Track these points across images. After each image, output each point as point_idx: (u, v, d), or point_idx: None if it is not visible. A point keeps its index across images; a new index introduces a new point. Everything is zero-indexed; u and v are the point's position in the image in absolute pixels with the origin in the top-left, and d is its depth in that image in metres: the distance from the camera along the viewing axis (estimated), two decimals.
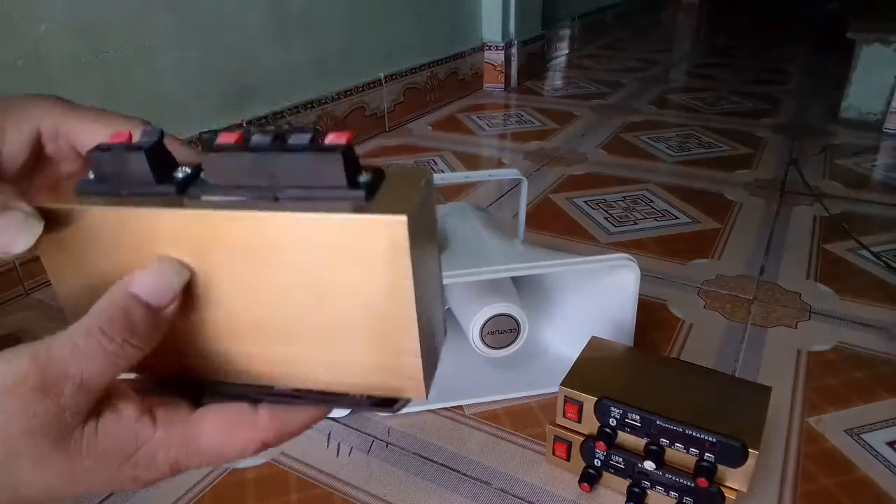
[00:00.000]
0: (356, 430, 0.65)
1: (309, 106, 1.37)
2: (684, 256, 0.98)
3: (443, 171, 1.33)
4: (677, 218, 1.11)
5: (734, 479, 0.51)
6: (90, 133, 0.26)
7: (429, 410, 0.67)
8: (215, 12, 1.13)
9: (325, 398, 0.24)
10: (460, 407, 0.68)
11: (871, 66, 1.58)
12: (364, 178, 0.21)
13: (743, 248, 1.00)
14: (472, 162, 1.41)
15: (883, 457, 0.61)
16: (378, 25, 1.55)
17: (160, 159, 0.22)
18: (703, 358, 0.74)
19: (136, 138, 0.23)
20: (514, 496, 0.57)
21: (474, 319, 0.65)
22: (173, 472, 0.24)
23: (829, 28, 3.13)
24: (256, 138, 0.21)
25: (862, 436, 0.63)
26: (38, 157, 0.27)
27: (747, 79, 2.16)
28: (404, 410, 0.29)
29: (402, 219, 0.19)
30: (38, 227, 0.22)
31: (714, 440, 0.50)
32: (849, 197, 1.20)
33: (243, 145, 0.21)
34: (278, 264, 0.21)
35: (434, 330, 0.24)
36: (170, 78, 1.07)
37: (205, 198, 0.22)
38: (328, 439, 0.64)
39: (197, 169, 0.22)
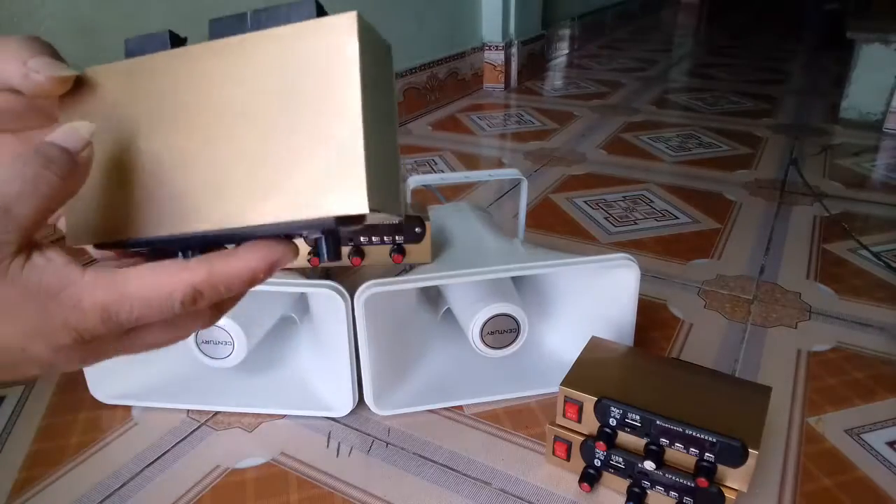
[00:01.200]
0: (356, 430, 0.65)
1: None
2: (684, 256, 0.98)
3: (443, 171, 1.33)
4: (677, 218, 1.11)
5: (734, 479, 0.51)
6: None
7: (429, 410, 0.67)
8: (215, 12, 1.13)
9: (275, 230, 0.24)
10: (460, 407, 0.68)
11: (871, 66, 1.58)
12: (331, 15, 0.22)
13: (743, 248, 1.00)
14: (472, 162, 1.41)
15: (883, 457, 0.61)
16: (378, 25, 1.54)
17: (177, 41, 0.26)
18: (703, 358, 0.74)
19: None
20: (514, 496, 0.57)
21: (474, 319, 0.65)
22: (105, 322, 0.23)
23: (829, 28, 3.13)
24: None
25: (862, 436, 0.63)
26: None
27: (747, 79, 2.16)
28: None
29: (352, 14, 0.21)
30: (67, 69, 0.26)
31: (714, 440, 0.50)
32: (849, 197, 1.20)
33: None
34: (238, 90, 0.23)
35: (392, 163, 0.24)
36: None
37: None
38: (328, 439, 0.64)
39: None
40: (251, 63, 0.23)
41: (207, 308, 0.27)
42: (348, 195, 0.22)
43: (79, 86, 0.27)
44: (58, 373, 0.23)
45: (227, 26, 0.24)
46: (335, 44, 0.22)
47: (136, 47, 0.26)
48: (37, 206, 0.23)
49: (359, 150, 0.21)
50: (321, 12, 0.22)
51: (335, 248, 0.25)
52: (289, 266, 0.64)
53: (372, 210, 0.21)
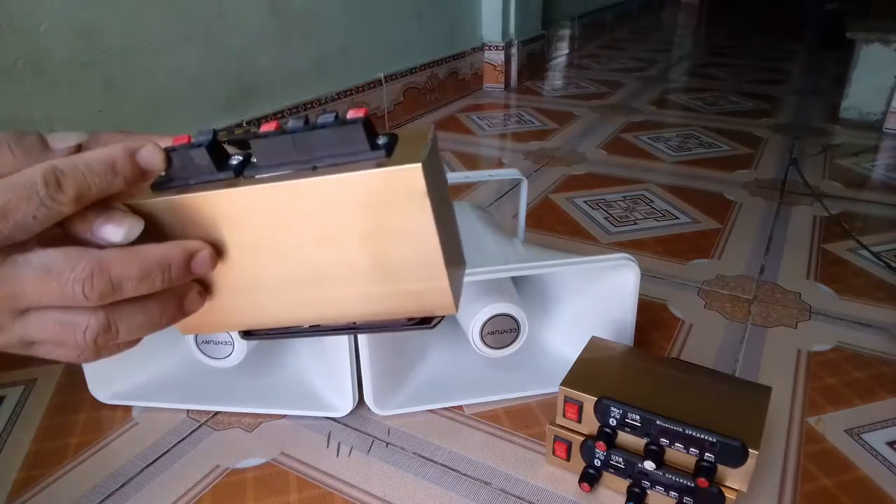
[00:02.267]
0: (356, 430, 0.65)
1: (309, 106, 1.37)
2: (684, 256, 0.98)
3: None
4: (677, 218, 1.11)
5: (734, 479, 0.51)
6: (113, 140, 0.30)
7: (429, 410, 0.67)
8: (215, 12, 1.13)
9: (370, 327, 0.29)
10: (460, 407, 0.68)
11: (871, 66, 1.58)
12: (382, 140, 0.25)
13: (743, 248, 1.00)
14: (472, 162, 1.41)
15: (883, 457, 0.61)
16: (378, 25, 1.55)
17: (217, 151, 0.27)
18: (703, 358, 0.74)
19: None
20: (514, 496, 0.57)
21: (474, 319, 0.65)
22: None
23: (829, 28, 3.13)
24: (292, 123, 0.25)
25: (862, 436, 0.63)
26: None
27: (747, 79, 2.16)
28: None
29: (417, 166, 0.24)
30: (139, 222, 0.27)
31: (714, 440, 0.50)
32: (849, 197, 1.20)
33: (282, 130, 0.25)
34: (321, 222, 0.26)
35: (456, 257, 0.28)
36: (170, 78, 1.07)
37: (258, 176, 0.26)
38: (328, 439, 0.64)
39: (247, 156, 0.27)
40: (326, 206, 0.26)
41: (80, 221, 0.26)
42: (443, 307, 0.28)
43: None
44: None
45: (274, 151, 0.26)
46: (407, 197, 0.25)
47: (179, 164, 0.27)
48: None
49: (444, 280, 0.27)
50: (368, 130, 0.25)
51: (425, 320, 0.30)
52: None
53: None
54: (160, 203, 0.27)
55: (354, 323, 0.29)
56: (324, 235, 0.26)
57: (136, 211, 0.27)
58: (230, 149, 0.28)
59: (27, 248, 0.25)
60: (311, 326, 0.30)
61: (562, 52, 2.61)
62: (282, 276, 0.28)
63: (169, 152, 0.27)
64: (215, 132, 0.27)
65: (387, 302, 0.28)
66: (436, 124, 1.67)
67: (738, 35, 3.12)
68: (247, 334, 0.31)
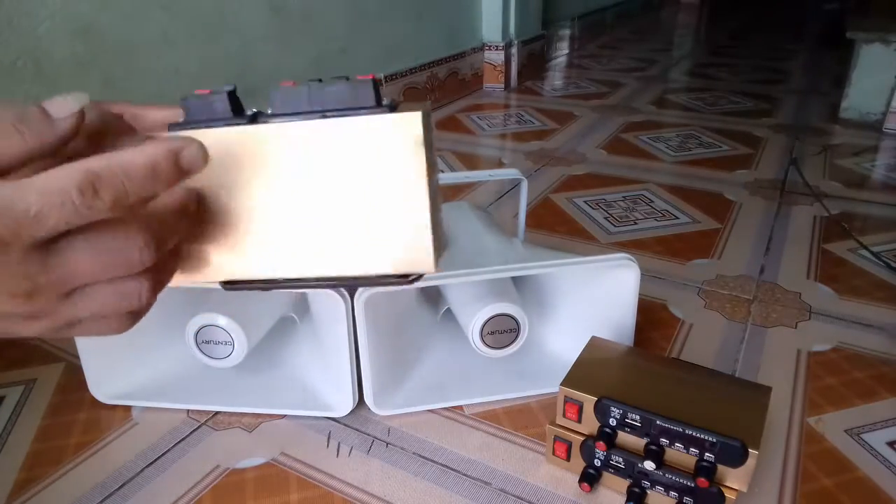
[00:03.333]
0: (356, 430, 0.65)
1: None
2: (684, 256, 0.98)
3: (443, 171, 1.33)
4: (677, 218, 1.11)
5: (734, 479, 0.51)
6: (151, 113, 0.32)
7: (429, 410, 0.67)
8: (215, 12, 1.13)
9: (349, 281, 0.30)
10: (460, 407, 0.68)
11: (871, 66, 1.58)
12: (386, 101, 0.27)
13: (743, 248, 1.00)
14: (472, 162, 1.41)
15: (883, 457, 0.61)
16: (378, 25, 1.55)
17: (235, 101, 0.28)
18: (703, 358, 0.74)
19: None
20: (514, 496, 0.57)
21: (474, 319, 0.65)
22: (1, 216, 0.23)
23: (829, 28, 3.13)
24: (307, 82, 0.27)
25: (862, 436, 0.63)
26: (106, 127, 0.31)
27: (747, 79, 2.16)
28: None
29: (418, 113, 0.26)
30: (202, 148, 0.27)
31: (714, 440, 0.50)
32: (849, 197, 1.20)
33: (297, 86, 0.27)
34: (321, 165, 0.28)
35: (440, 218, 0.29)
36: (170, 78, 1.07)
37: (271, 121, 0.28)
38: (328, 439, 0.64)
39: (263, 112, 0.28)
40: (328, 151, 0.27)
41: (138, 248, 0.26)
42: (422, 263, 0.28)
43: None
44: None
45: (289, 100, 0.28)
46: (404, 144, 0.27)
47: (197, 111, 0.28)
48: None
49: (428, 234, 0.28)
50: (377, 90, 0.27)
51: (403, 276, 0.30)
52: None
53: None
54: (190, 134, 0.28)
55: (324, 278, 0.30)
56: (322, 180, 0.28)
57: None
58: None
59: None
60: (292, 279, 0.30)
61: (562, 52, 2.61)
62: (275, 221, 0.29)
63: (188, 100, 0.28)
64: (235, 87, 0.28)
65: (370, 256, 0.29)
66: (436, 124, 1.67)
67: (738, 35, 3.12)
68: (228, 285, 0.31)
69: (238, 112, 0.28)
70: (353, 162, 0.27)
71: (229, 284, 0.31)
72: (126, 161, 0.24)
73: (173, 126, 0.29)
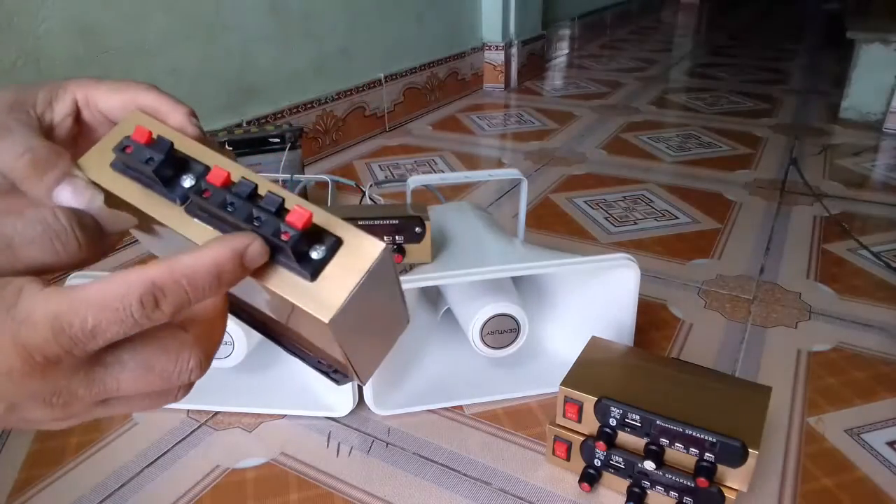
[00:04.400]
0: (356, 430, 0.65)
1: (309, 106, 1.37)
2: (684, 256, 0.98)
3: (443, 171, 1.33)
4: (677, 218, 1.11)
5: (734, 479, 0.51)
6: (112, 102, 0.30)
7: (429, 410, 0.67)
8: (215, 12, 1.13)
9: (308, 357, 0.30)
10: (460, 407, 0.68)
11: (871, 66, 1.58)
12: (317, 253, 0.24)
13: (743, 248, 1.00)
14: (472, 162, 1.41)
15: (883, 457, 0.61)
16: (378, 25, 1.55)
17: (169, 168, 0.26)
18: (703, 358, 0.74)
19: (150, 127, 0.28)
20: (514, 496, 0.57)
21: (474, 319, 0.65)
22: (56, 335, 0.22)
23: (829, 28, 3.13)
24: (242, 186, 0.25)
25: (862, 436, 0.63)
26: (79, 124, 0.31)
27: (747, 79, 2.16)
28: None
29: (325, 318, 0.24)
30: (99, 196, 0.27)
31: (714, 440, 0.50)
32: (849, 197, 1.20)
33: (231, 189, 0.25)
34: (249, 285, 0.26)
35: (370, 351, 0.28)
36: (170, 78, 1.07)
37: (194, 220, 0.26)
38: (328, 439, 0.64)
39: (204, 174, 0.26)
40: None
41: (186, 347, 0.25)
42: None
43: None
44: (18, 427, 0.23)
45: (218, 205, 0.25)
46: (317, 320, 0.24)
47: (135, 157, 0.27)
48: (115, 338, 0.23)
49: (350, 372, 0.28)
50: (302, 247, 0.25)
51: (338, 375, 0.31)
52: None
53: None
54: (118, 190, 0.27)
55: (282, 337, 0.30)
56: (252, 293, 0.27)
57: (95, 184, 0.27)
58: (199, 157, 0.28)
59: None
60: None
61: (562, 52, 2.61)
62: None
63: (123, 152, 0.27)
64: (171, 146, 0.26)
65: (315, 350, 0.29)
66: (436, 124, 1.68)
67: (738, 35, 3.12)
68: None
69: (170, 180, 0.26)
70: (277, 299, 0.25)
71: None
72: (189, 268, 0.23)
73: (116, 163, 0.27)
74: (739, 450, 0.49)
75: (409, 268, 0.69)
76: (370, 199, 1.02)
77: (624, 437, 0.54)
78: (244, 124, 1.21)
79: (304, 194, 1.06)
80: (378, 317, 0.27)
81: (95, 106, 0.31)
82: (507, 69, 2.03)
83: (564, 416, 0.57)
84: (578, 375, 0.57)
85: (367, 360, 0.28)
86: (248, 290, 0.26)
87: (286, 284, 0.25)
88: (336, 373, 0.30)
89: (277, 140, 1.03)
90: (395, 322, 0.29)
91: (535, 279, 0.77)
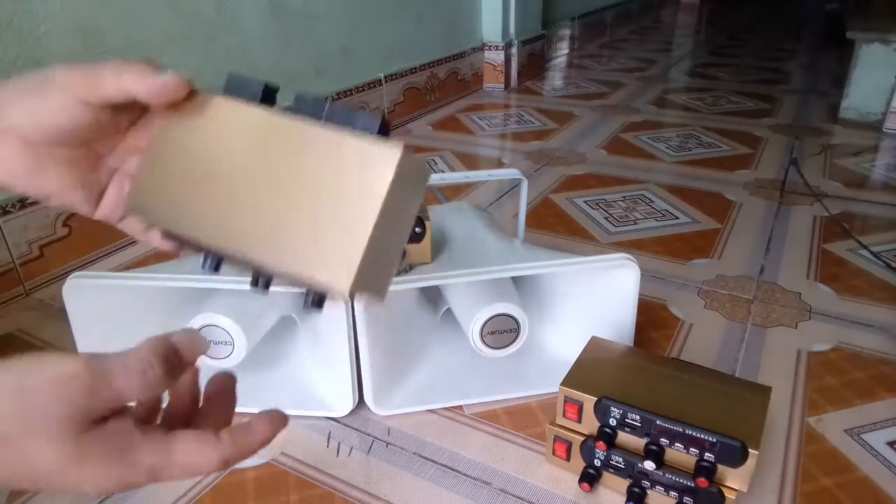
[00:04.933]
0: (356, 430, 0.65)
1: None
2: (684, 256, 0.98)
3: (443, 171, 1.33)
4: (677, 218, 1.11)
5: (734, 479, 0.51)
6: (111, 85, 0.33)
7: (429, 410, 0.67)
8: (215, 12, 1.13)
9: (274, 278, 0.32)
10: (460, 407, 0.68)
11: (871, 66, 1.58)
12: (384, 136, 0.28)
13: (743, 248, 1.00)
14: (472, 162, 1.41)
15: (883, 457, 0.61)
16: (378, 25, 1.55)
17: (268, 92, 0.32)
18: (703, 358, 0.74)
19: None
20: (514, 496, 0.57)
21: (474, 319, 0.65)
22: (148, 478, 0.29)
23: (829, 28, 3.13)
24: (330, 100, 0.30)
25: (862, 436, 0.63)
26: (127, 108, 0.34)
27: (747, 79, 2.16)
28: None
29: (397, 152, 0.27)
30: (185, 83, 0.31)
31: (714, 440, 0.50)
32: (849, 197, 1.20)
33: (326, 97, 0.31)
34: (304, 161, 0.29)
35: (387, 268, 0.31)
36: None
37: (278, 112, 0.31)
38: (328, 439, 0.64)
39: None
40: (312, 155, 0.29)
41: None
42: (338, 282, 0.28)
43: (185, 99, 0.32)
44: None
45: (307, 107, 0.30)
46: (374, 174, 0.28)
47: (234, 87, 0.32)
48: (141, 397, 0.30)
49: (355, 262, 0.28)
50: (383, 126, 0.29)
51: (319, 302, 0.31)
52: None
53: (351, 295, 0.28)
54: (218, 100, 0.32)
55: (258, 270, 0.32)
56: (295, 174, 0.29)
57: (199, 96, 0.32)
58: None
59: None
60: (217, 253, 0.32)
61: (562, 51, 2.61)
62: (240, 194, 0.31)
63: (231, 76, 0.32)
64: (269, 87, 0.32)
65: (301, 254, 0.29)
66: (436, 124, 1.68)
67: (738, 35, 3.12)
68: (169, 236, 0.34)
69: (266, 100, 0.32)
70: (330, 171, 0.29)
71: (169, 236, 0.34)
72: (249, 447, 0.32)
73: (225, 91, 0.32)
74: (739, 450, 0.49)
75: (409, 268, 0.69)
76: None
77: (624, 437, 0.54)
78: None
79: None
80: (401, 213, 0.30)
81: (103, 87, 0.33)
82: (507, 69, 2.03)
83: (564, 416, 0.57)
84: (578, 375, 0.57)
85: (380, 261, 0.29)
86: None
87: (348, 137, 0.29)
88: (312, 297, 0.31)
89: None
90: (398, 234, 0.31)
91: (535, 279, 0.77)
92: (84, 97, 0.33)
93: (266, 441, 0.32)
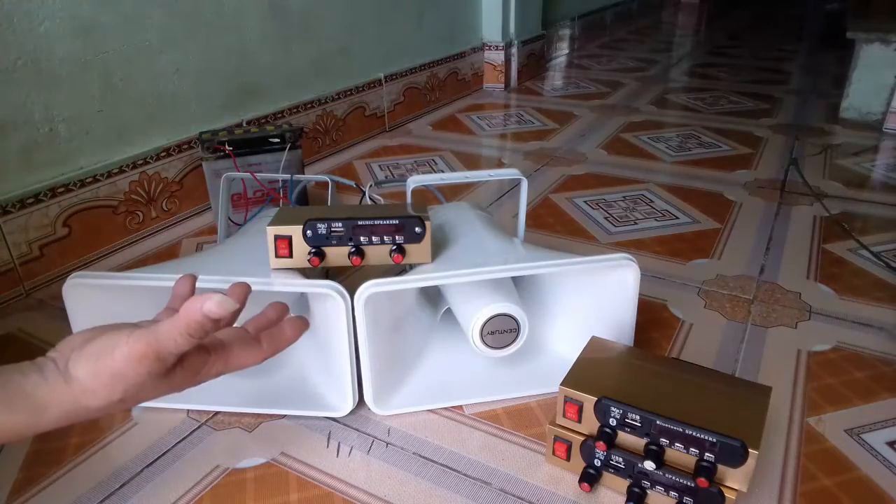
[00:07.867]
0: (356, 430, 0.65)
1: (309, 106, 1.37)
2: (684, 256, 0.98)
3: (443, 171, 1.33)
4: (677, 218, 1.11)
5: (734, 479, 0.51)
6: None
7: (429, 410, 0.67)
8: (215, 12, 1.13)
9: None
10: (460, 407, 0.68)
11: (871, 66, 1.58)
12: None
13: (743, 248, 1.00)
14: (472, 162, 1.41)
15: (883, 457, 0.61)
16: (378, 25, 1.55)
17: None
18: (703, 358, 0.74)
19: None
20: (514, 496, 0.57)
21: (474, 319, 0.65)
22: (217, 376, 0.50)
23: (829, 28, 3.13)
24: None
25: (862, 436, 0.63)
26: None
27: (747, 79, 2.16)
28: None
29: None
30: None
31: (714, 440, 0.50)
32: (849, 197, 1.20)
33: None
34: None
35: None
36: (170, 78, 1.07)
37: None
38: (328, 439, 0.64)
39: None
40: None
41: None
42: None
43: None
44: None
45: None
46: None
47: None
48: (186, 349, 0.44)
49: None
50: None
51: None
52: (289, 266, 0.64)
53: None
54: None
55: None
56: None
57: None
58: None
59: None
60: None
61: (562, 51, 2.61)
62: None
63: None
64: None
65: None
66: (436, 124, 1.68)
67: (738, 35, 3.12)
68: None
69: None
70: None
71: None
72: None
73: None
74: (739, 450, 0.49)
75: (409, 268, 0.69)
76: (370, 199, 1.02)
77: (624, 437, 0.54)
78: (244, 124, 1.21)
79: (304, 194, 1.06)
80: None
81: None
82: (507, 69, 2.03)
83: (564, 416, 0.57)
84: (578, 375, 0.57)
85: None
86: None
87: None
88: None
89: (277, 140, 1.03)
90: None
91: (536, 279, 0.77)
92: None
93: (292, 341, 0.52)
